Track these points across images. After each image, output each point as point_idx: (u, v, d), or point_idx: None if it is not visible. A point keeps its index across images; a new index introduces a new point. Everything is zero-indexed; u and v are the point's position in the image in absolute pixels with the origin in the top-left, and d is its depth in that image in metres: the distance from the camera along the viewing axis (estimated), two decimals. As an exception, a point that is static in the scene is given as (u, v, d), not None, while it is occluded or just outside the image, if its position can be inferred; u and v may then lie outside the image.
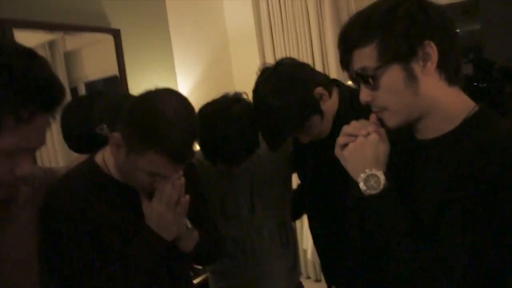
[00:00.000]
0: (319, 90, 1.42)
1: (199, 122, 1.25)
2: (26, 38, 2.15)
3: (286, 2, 3.21)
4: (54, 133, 1.78)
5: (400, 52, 0.98)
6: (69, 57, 2.44)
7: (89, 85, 2.53)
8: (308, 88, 1.42)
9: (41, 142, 0.97)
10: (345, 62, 1.08)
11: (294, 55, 3.18)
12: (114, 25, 2.60)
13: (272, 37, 3.30)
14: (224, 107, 1.49)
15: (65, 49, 2.41)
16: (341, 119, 1.36)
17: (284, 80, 1.42)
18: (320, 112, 1.44)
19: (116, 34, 2.59)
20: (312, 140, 1.51)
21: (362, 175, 1.04)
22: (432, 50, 0.97)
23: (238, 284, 1.74)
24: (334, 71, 3.07)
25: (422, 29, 0.98)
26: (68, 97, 2.26)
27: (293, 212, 1.85)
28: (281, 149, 1.58)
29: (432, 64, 0.98)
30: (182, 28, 3.13)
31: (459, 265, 0.91)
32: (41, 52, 1.66)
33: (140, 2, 2.82)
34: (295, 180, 1.86)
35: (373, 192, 1.02)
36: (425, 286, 0.97)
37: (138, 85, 2.71)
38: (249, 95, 1.55)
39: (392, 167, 1.07)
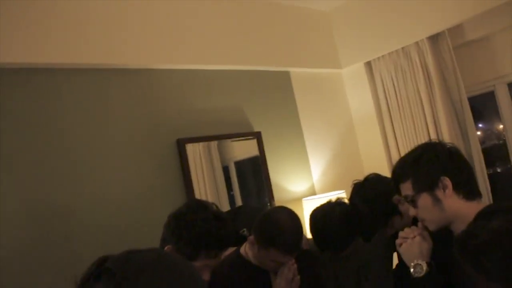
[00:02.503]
0: (397, 197, 1.93)
1: (310, 220, 1.87)
2: (193, 147, 2.99)
3: (399, 86, 3.64)
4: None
5: (426, 185, 1.50)
6: (222, 145, 3.19)
7: (238, 163, 3.28)
8: (388, 197, 1.93)
9: (213, 265, 1.66)
10: (397, 191, 1.62)
11: (411, 132, 3.59)
12: (256, 128, 3.35)
13: (391, 119, 3.74)
14: (329, 209, 2.07)
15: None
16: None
17: (370, 192, 1.97)
18: (399, 213, 1.94)
19: (258, 135, 3.34)
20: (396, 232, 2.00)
21: (412, 264, 1.55)
22: (447, 182, 1.47)
23: None
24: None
25: (438, 169, 1.49)
26: (221, 174, 3.13)
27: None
28: (379, 235, 2.09)
29: (449, 191, 1.47)
30: (312, 120, 3.74)
31: None
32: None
33: (275, 107, 3.51)
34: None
35: (419, 275, 1.52)
36: None
37: (275, 167, 3.38)
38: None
39: (438, 257, 1.56)
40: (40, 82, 2.41)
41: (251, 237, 1.86)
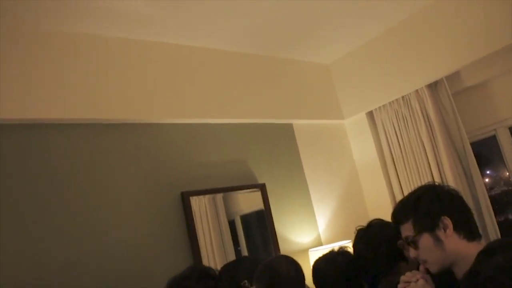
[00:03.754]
0: (401, 242, 1.90)
1: (313, 271, 1.83)
2: (198, 200, 2.99)
3: (402, 134, 3.67)
4: None
5: (427, 226, 1.49)
6: (227, 198, 3.18)
7: (243, 217, 3.26)
8: (392, 242, 1.90)
9: None
10: (399, 232, 1.60)
11: (415, 179, 3.57)
12: (260, 180, 3.36)
13: (395, 167, 3.73)
14: (331, 259, 2.04)
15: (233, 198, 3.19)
16: None
17: (374, 238, 1.94)
18: (405, 259, 1.90)
19: (262, 187, 3.34)
20: None
21: None
22: (448, 222, 1.46)
23: None
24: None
25: (438, 209, 1.48)
26: (227, 228, 3.09)
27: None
28: (385, 283, 2.04)
29: (450, 231, 1.46)
30: (316, 171, 3.76)
31: None
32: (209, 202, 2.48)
33: (279, 159, 3.53)
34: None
35: None
36: None
37: (281, 219, 3.36)
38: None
39: None
40: (44, 137, 2.48)
41: None
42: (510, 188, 4.10)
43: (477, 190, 3.35)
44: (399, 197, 3.67)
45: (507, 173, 4.08)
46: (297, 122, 3.78)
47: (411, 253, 1.56)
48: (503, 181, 4.28)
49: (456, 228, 1.46)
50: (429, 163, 3.51)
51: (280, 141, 3.63)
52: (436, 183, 1.62)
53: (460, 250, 1.46)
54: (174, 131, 3.02)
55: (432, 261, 1.51)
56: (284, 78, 3.74)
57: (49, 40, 2.54)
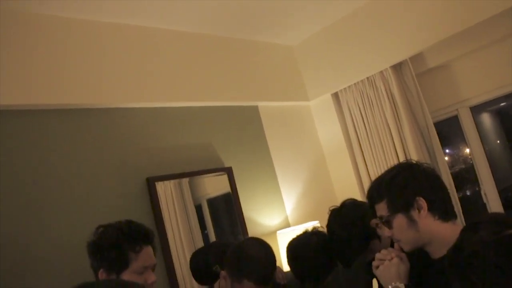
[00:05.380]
0: (375, 220, 1.91)
1: (287, 252, 1.82)
2: (164, 185, 2.93)
3: (367, 115, 3.69)
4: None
5: (400, 206, 1.48)
6: (194, 182, 3.13)
7: (210, 201, 3.22)
8: (365, 221, 1.91)
9: (153, 261, 1.71)
10: (373, 211, 1.59)
11: (381, 159, 3.62)
12: (227, 164, 3.31)
13: (361, 147, 3.76)
14: (306, 239, 2.03)
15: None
16: None
17: (348, 218, 1.95)
18: (378, 237, 1.91)
19: (228, 170, 3.30)
20: None
21: (390, 287, 1.51)
22: (422, 202, 1.46)
23: None
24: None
25: (413, 190, 1.47)
26: (194, 212, 3.05)
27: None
28: (359, 261, 2.05)
29: (424, 211, 1.46)
30: (282, 153, 3.74)
31: None
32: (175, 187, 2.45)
33: (245, 142, 3.49)
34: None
35: None
36: None
37: (248, 202, 3.33)
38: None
39: (414, 278, 1.54)
40: (4, 123, 2.34)
41: (224, 272, 1.81)
42: (468, 166, 4.25)
43: (440, 168, 3.42)
44: (365, 177, 3.72)
45: (466, 151, 4.24)
46: (262, 104, 3.74)
47: (385, 232, 1.56)
48: (461, 159, 4.42)
49: (431, 209, 1.46)
50: (394, 143, 3.55)
51: (246, 124, 3.59)
52: (413, 162, 1.60)
53: (434, 230, 1.47)
54: (138, 115, 2.92)
55: (406, 241, 1.51)
56: (249, 60, 3.68)
57: None
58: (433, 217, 1.47)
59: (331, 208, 2.08)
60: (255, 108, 3.70)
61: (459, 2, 3.09)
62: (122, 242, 1.63)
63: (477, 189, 3.78)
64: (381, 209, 1.54)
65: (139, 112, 2.93)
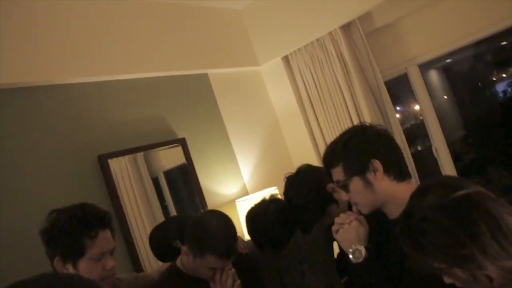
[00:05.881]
0: (331, 185, 1.91)
1: (246, 221, 1.81)
2: (118, 162, 2.84)
3: (318, 77, 3.68)
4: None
5: (356, 169, 1.48)
6: (149, 155, 3.05)
7: (167, 173, 3.16)
8: (322, 186, 1.91)
9: (111, 246, 1.64)
10: (329, 176, 1.59)
11: (334, 121, 3.64)
12: (180, 135, 3.24)
13: (314, 110, 3.77)
14: (264, 207, 2.02)
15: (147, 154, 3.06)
16: None
17: (304, 184, 1.94)
18: (335, 201, 1.92)
19: (182, 142, 3.23)
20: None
21: (350, 250, 1.53)
22: (377, 164, 1.46)
23: None
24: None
25: (368, 152, 1.47)
26: (151, 186, 3.00)
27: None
28: (318, 226, 2.06)
29: (380, 173, 1.46)
30: (236, 121, 3.69)
31: None
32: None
33: (197, 112, 3.41)
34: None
35: (358, 261, 1.51)
36: None
37: (204, 172, 3.29)
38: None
39: (374, 240, 1.55)
40: None
41: (185, 248, 1.78)
42: (418, 122, 4.36)
43: (392, 126, 3.47)
44: (319, 140, 3.74)
45: (416, 108, 4.34)
46: (212, 72, 3.65)
47: (343, 196, 1.56)
48: (412, 115, 4.52)
49: (386, 170, 1.46)
50: (346, 104, 3.57)
51: (197, 93, 3.50)
52: (366, 124, 1.59)
53: (390, 191, 1.48)
54: (85, 91, 2.77)
55: (363, 204, 1.52)
56: (196, 26, 3.57)
57: None
58: (389, 178, 1.48)
59: (286, 175, 2.07)
60: (205, 76, 3.61)
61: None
62: (76, 229, 1.55)
63: (427, 144, 3.88)
64: (337, 173, 1.53)
65: (85, 87, 2.78)
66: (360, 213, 1.56)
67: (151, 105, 3.13)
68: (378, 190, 1.47)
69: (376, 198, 1.48)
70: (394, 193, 1.47)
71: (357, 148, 1.49)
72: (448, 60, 4.98)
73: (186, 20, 3.50)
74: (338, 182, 1.54)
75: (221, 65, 3.68)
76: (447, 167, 3.58)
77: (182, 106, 3.33)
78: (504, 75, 5.46)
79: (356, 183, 1.49)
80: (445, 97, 4.91)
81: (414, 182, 1.54)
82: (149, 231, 2.73)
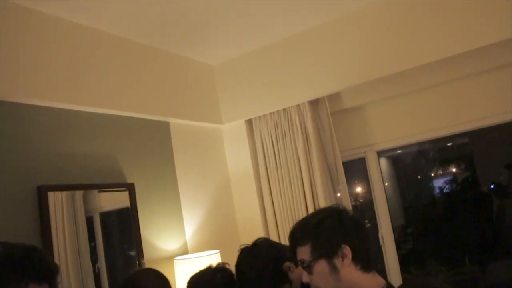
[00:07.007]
0: (287, 264, 1.84)
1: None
2: (56, 196, 2.64)
3: (279, 146, 3.65)
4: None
5: (325, 252, 1.41)
6: (89, 195, 2.85)
7: (103, 215, 2.94)
8: (277, 264, 1.82)
9: None
10: (293, 253, 1.51)
11: (287, 193, 3.58)
12: (129, 180, 3.07)
13: (268, 179, 3.70)
14: (209, 276, 1.89)
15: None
16: (307, 285, 1.74)
17: (259, 258, 1.84)
18: (289, 282, 1.83)
19: (131, 187, 3.06)
20: None
21: None
22: (347, 251, 1.40)
23: None
24: (322, 204, 3.42)
25: (340, 237, 1.42)
26: (84, 225, 2.77)
27: None
28: None
29: (348, 260, 1.40)
30: (188, 175, 3.58)
31: None
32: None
33: (152, 159, 3.28)
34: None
35: None
36: None
37: (147, 222, 3.12)
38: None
39: None
40: None
41: None
42: (357, 204, 4.65)
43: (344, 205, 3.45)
44: (269, 211, 3.66)
45: (357, 190, 4.70)
46: (174, 121, 3.57)
47: (304, 277, 1.48)
48: (352, 197, 4.59)
49: (354, 258, 1.41)
50: (302, 177, 3.54)
51: (155, 140, 3.39)
52: (341, 207, 1.54)
53: (355, 281, 1.41)
54: (35, 114, 2.59)
55: None
56: (165, 73, 3.51)
57: None
58: (355, 267, 1.42)
59: (242, 247, 1.96)
60: (166, 124, 3.52)
61: (379, 51, 3.21)
62: (6, 271, 1.31)
63: (375, 222, 3.85)
64: (303, 252, 1.46)
65: (35, 110, 2.60)
66: None
67: (104, 144, 2.98)
68: (343, 277, 1.40)
69: (339, 285, 1.41)
70: (359, 283, 1.41)
71: (330, 230, 1.43)
72: (398, 151, 5.17)
73: (157, 65, 3.44)
74: (302, 262, 1.46)
75: (184, 117, 3.60)
76: (391, 256, 3.58)
77: (137, 151, 3.20)
78: (441, 173, 5.74)
79: (321, 266, 1.42)
80: (386, 184, 5.06)
81: (378, 276, 1.48)
82: (72, 268, 2.59)
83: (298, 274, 1.84)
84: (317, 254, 1.42)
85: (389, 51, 3.18)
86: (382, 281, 1.45)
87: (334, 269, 1.40)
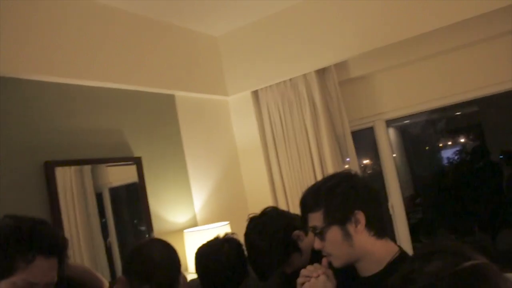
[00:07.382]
0: (297, 232, 1.81)
1: (196, 259, 1.66)
2: (64, 171, 2.62)
3: (286, 117, 3.61)
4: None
5: (338, 218, 1.38)
6: (97, 169, 2.84)
7: (112, 190, 2.95)
8: (287, 232, 1.80)
9: (47, 279, 1.34)
10: (304, 220, 1.48)
11: (295, 163, 3.56)
12: (136, 153, 3.06)
13: (276, 149, 3.68)
14: (216, 246, 1.88)
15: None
16: (317, 253, 1.72)
17: (269, 227, 1.81)
18: (299, 250, 1.81)
19: (138, 161, 3.05)
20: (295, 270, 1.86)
21: None
22: (361, 217, 1.37)
23: None
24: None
25: (353, 202, 1.38)
26: (93, 200, 2.78)
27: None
28: (277, 274, 1.93)
29: (361, 226, 1.37)
30: (195, 147, 3.56)
31: None
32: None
33: (158, 132, 3.26)
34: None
35: None
36: None
37: (156, 196, 3.11)
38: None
39: None
40: None
41: (122, 277, 1.60)
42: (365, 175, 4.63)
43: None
44: (277, 181, 3.64)
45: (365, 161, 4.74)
46: (179, 94, 3.52)
47: (316, 244, 1.45)
48: (360, 168, 4.56)
49: (367, 224, 1.38)
50: (310, 148, 3.51)
51: (161, 113, 3.35)
52: (353, 172, 1.50)
53: (368, 247, 1.39)
54: (41, 89, 2.57)
55: (338, 256, 1.41)
56: (171, 46, 3.45)
57: None
58: (369, 233, 1.39)
59: (250, 216, 1.92)
60: (172, 97, 3.48)
61: (387, 18, 3.13)
62: (12, 244, 1.29)
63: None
64: (316, 219, 1.42)
65: (41, 86, 2.58)
66: (329, 266, 1.45)
67: (111, 118, 2.95)
68: (357, 243, 1.38)
69: (352, 252, 1.39)
70: (372, 249, 1.39)
71: (343, 196, 1.39)
72: (406, 121, 5.10)
73: (161, 37, 3.38)
74: (314, 228, 1.43)
75: (189, 89, 3.55)
76: (401, 225, 3.56)
77: (143, 124, 3.17)
78: (450, 143, 5.69)
79: (334, 233, 1.39)
80: (394, 155, 5.03)
81: (391, 242, 1.45)
82: (84, 246, 2.58)
83: (308, 243, 1.82)
84: (330, 220, 1.39)
85: (396, 18, 3.10)
86: (395, 248, 1.42)
87: (347, 235, 1.37)
